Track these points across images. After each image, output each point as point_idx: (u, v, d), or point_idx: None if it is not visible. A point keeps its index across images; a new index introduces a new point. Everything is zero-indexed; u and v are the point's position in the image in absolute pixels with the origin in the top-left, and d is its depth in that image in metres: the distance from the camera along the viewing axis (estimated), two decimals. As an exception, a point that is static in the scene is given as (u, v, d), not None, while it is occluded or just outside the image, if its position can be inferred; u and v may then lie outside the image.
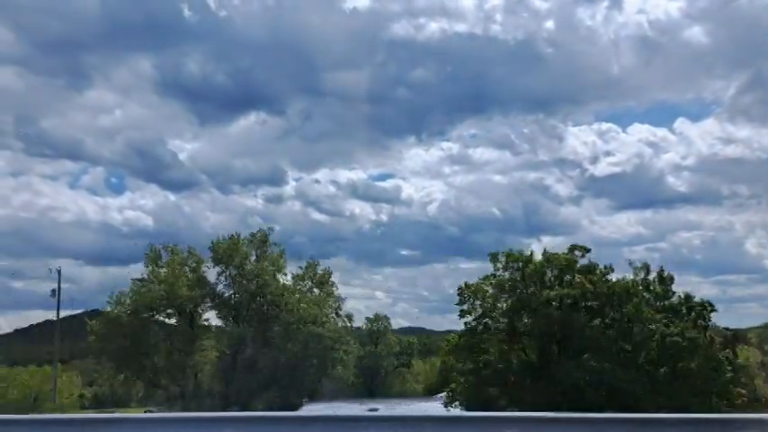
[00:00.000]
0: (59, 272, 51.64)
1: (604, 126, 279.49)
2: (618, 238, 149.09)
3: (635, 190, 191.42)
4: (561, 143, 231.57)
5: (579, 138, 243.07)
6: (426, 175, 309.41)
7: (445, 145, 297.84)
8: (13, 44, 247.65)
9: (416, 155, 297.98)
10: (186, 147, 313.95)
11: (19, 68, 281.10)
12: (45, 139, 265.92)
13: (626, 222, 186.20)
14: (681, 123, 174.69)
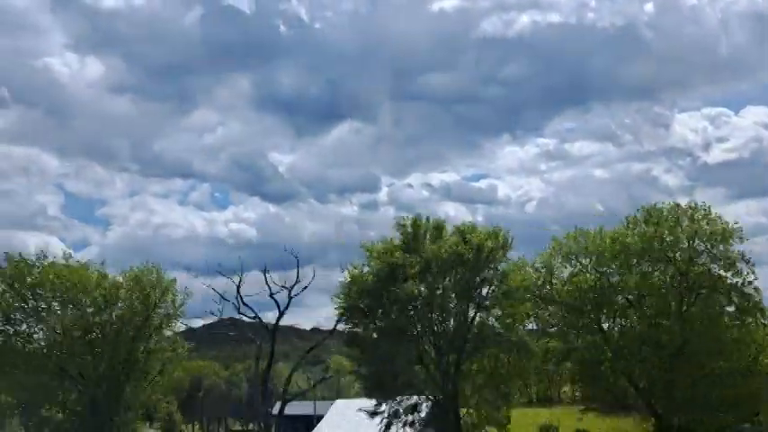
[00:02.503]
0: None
1: (715, 110, 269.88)
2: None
3: (753, 177, 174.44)
4: (668, 131, 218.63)
5: (688, 124, 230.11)
6: (522, 173, 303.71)
7: (541, 141, 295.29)
8: (125, 73, 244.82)
9: (510, 153, 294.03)
10: (284, 159, 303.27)
11: (132, 95, 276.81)
12: (158, 160, 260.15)
13: (745, 212, 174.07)
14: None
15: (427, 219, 41.08)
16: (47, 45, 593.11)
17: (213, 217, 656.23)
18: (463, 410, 39.86)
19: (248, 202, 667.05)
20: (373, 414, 39.35)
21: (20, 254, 43.88)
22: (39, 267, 43.62)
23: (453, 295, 39.51)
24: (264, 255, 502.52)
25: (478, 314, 40.09)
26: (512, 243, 40.22)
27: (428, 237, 40.19)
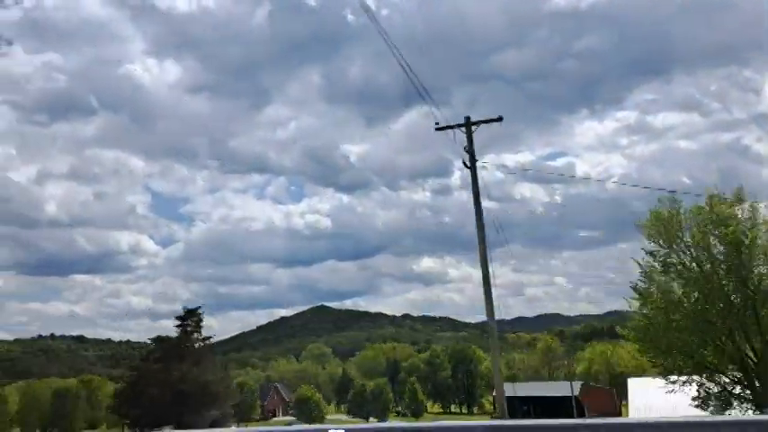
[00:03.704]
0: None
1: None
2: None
3: None
4: (759, 96, 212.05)
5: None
6: (601, 149, 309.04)
7: (621, 114, 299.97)
8: (201, 73, 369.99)
9: (589, 128, 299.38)
10: (355, 149, 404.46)
11: (208, 95, 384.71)
12: (235, 157, 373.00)
13: None
14: None
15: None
16: (128, 52, 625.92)
17: (289, 209, 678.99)
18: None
19: (322, 194, 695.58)
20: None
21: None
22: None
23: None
24: (339, 244, 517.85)
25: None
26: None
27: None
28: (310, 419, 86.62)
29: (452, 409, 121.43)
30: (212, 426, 56.83)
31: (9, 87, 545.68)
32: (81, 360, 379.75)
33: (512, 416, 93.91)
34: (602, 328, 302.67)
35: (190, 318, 63.26)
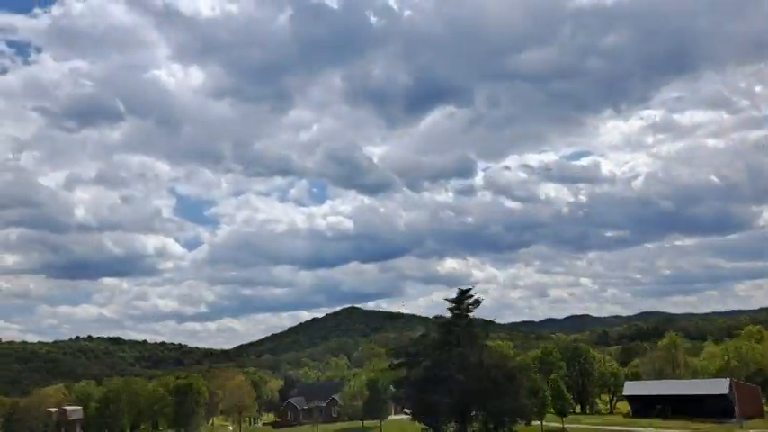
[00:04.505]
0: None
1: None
2: None
3: None
4: None
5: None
6: (627, 149, 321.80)
7: (645, 113, 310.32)
8: (224, 77, 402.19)
9: (614, 128, 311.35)
10: (377, 150, 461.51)
11: (232, 99, 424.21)
12: (259, 160, 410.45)
13: None
14: None
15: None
16: (153, 58, 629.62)
17: (312, 211, 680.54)
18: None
19: (344, 196, 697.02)
20: None
21: None
22: None
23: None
24: (361, 246, 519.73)
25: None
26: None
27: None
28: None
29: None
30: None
31: (39, 94, 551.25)
32: (119, 361, 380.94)
33: (644, 415, 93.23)
34: (647, 328, 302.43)
35: (463, 299, 61.69)
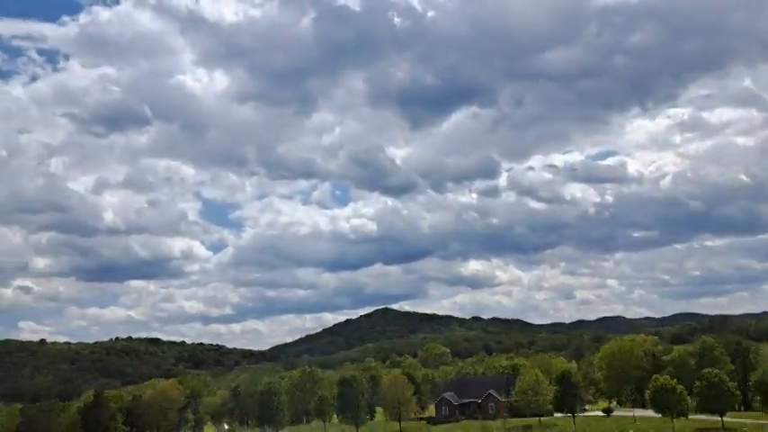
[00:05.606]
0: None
1: None
2: None
3: None
4: None
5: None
6: (653, 148, 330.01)
7: (673, 111, 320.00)
8: (248, 82, 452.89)
9: (640, 126, 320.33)
10: (400, 152, 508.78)
11: (255, 103, 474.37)
12: (282, 163, 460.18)
13: None
14: None
15: None
16: (179, 63, 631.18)
17: (335, 214, 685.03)
18: None
19: (368, 198, 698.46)
20: None
21: None
22: None
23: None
24: (385, 248, 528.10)
25: None
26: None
27: None
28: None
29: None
30: None
31: (68, 100, 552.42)
32: (161, 361, 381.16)
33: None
34: (693, 327, 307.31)
35: None
